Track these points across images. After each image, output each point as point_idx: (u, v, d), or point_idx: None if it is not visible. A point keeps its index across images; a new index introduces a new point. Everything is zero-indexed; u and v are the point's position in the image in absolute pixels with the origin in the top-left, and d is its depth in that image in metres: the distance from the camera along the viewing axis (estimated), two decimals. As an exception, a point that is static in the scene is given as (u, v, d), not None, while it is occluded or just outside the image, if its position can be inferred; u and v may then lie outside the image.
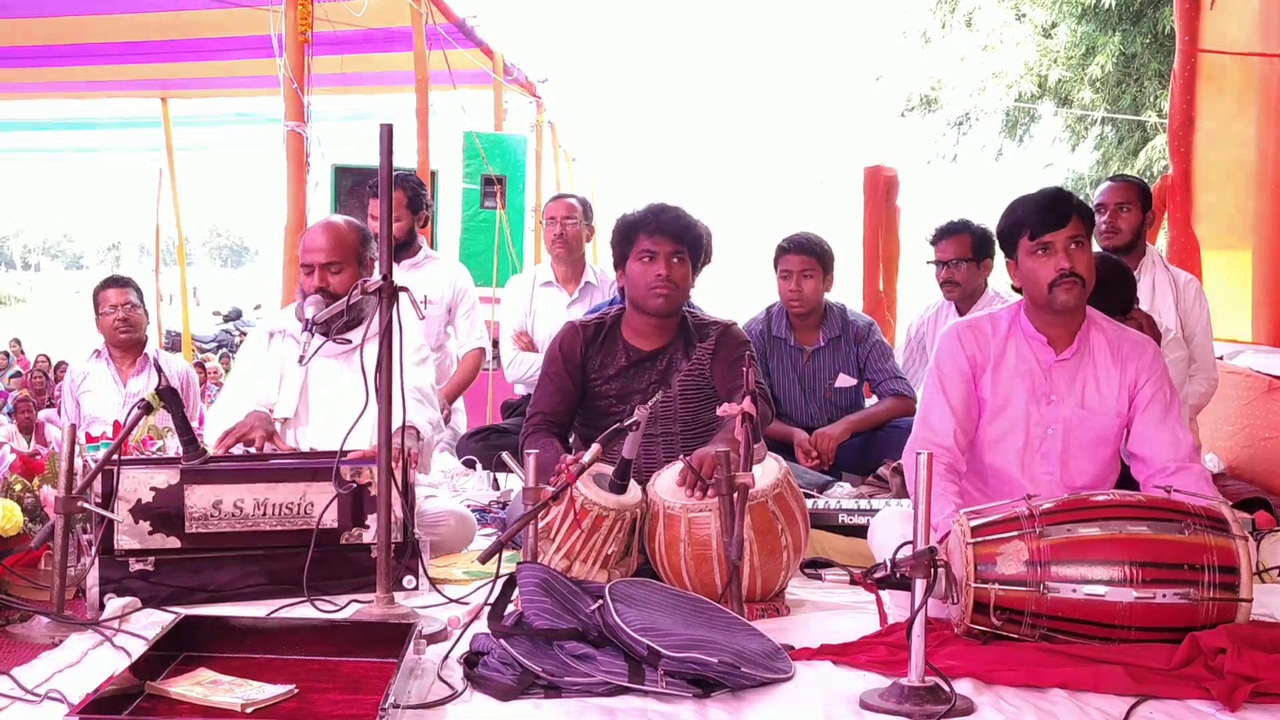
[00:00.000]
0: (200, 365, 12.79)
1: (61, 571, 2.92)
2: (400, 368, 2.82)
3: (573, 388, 3.69)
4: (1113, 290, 3.83)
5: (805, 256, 4.66)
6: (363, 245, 3.73)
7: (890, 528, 3.20)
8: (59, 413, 6.06)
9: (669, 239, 3.56)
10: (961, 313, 4.82)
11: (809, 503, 3.45)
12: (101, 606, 2.96)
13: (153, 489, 3.07)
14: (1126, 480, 3.29)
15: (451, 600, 3.04)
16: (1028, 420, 3.20)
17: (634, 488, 3.17)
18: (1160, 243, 6.22)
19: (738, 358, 3.56)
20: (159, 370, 3.37)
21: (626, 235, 3.62)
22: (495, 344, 5.89)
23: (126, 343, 5.22)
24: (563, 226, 5.44)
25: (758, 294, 4.03)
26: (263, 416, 3.62)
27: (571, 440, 3.79)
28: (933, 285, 5.10)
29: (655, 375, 3.67)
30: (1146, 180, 5.72)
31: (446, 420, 5.02)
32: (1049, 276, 3.09)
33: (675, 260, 3.57)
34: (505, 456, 3.48)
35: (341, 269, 3.65)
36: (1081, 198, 3.30)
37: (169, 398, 3.07)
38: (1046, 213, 3.10)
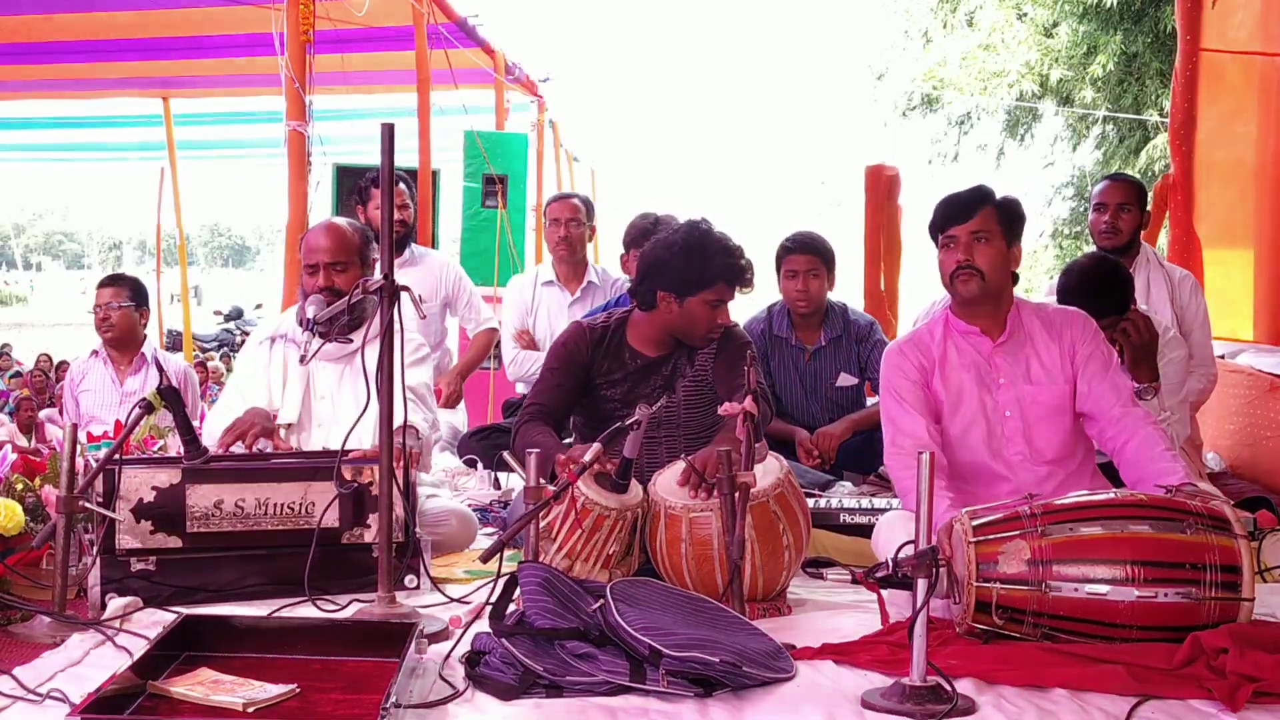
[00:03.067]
0: (201, 365, 12.80)
1: (63, 571, 2.91)
2: (401, 367, 2.82)
3: (574, 385, 3.68)
4: (1110, 290, 3.85)
5: (811, 256, 4.67)
6: (365, 245, 3.74)
7: (895, 531, 3.20)
8: (60, 412, 6.05)
9: (733, 294, 3.65)
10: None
11: (810, 502, 3.46)
12: (103, 606, 2.95)
13: (154, 488, 3.07)
14: (1118, 476, 3.29)
15: (453, 600, 3.04)
16: (984, 408, 3.29)
17: (635, 487, 3.17)
18: (1161, 242, 6.22)
19: (739, 358, 3.56)
20: (160, 369, 3.37)
21: (704, 275, 3.56)
22: (497, 344, 5.89)
23: (112, 342, 5.20)
24: (567, 229, 5.43)
25: (758, 293, 4.02)
26: (261, 413, 3.62)
27: (571, 440, 3.78)
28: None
29: (661, 381, 3.68)
30: (1147, 180, 5.72)
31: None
32: (949, 269, 3.24)
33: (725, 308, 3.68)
34: (506, 456, 3.48)
35: (346, 268, 3.65)
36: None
37: (170, 397, 3.07)
38: (950, 208, 3.26)
